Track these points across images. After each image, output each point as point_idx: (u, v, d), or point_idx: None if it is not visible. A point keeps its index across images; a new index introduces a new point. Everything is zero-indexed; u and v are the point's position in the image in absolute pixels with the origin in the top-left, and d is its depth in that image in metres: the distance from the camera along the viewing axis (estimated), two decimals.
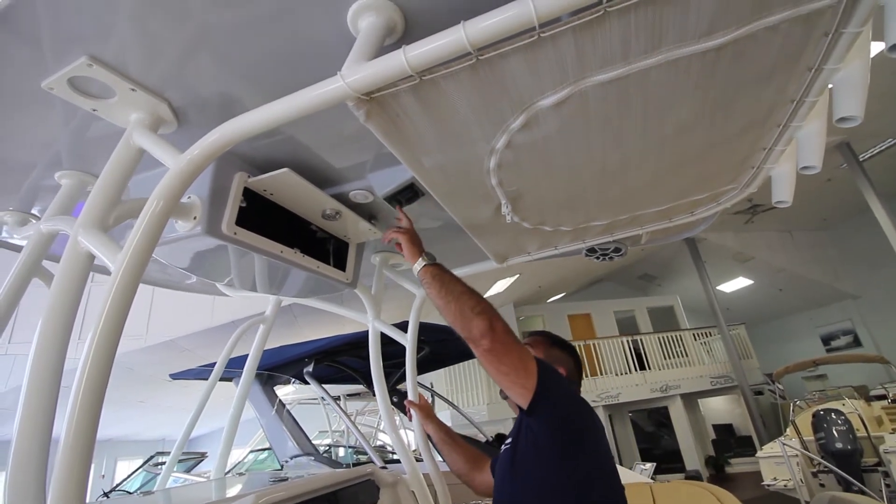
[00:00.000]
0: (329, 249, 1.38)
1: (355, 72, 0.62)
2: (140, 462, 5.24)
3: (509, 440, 1.13)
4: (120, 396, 7.40)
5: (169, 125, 0.91)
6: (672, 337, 11.01)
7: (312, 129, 1.00)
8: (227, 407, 1.94)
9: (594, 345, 10.37)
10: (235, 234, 1.00)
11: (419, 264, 1.10)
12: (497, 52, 0.61)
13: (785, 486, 5.27)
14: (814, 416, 5.59)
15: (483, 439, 4.13)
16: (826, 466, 4.95)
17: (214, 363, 2.18)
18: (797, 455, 5.11)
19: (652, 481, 3.72)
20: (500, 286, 9.19)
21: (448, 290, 1.04)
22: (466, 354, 4.88)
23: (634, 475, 4.16)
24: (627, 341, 10.60)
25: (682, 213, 1.32)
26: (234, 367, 2.35)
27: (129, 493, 4.58)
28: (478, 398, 9.26)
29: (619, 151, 0.92)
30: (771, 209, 9.98)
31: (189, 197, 0.97)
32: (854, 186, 7.86)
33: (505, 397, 1.32)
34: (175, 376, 3.81)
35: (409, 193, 1.14)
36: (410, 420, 1.59)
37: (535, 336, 1.29)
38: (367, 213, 1.32)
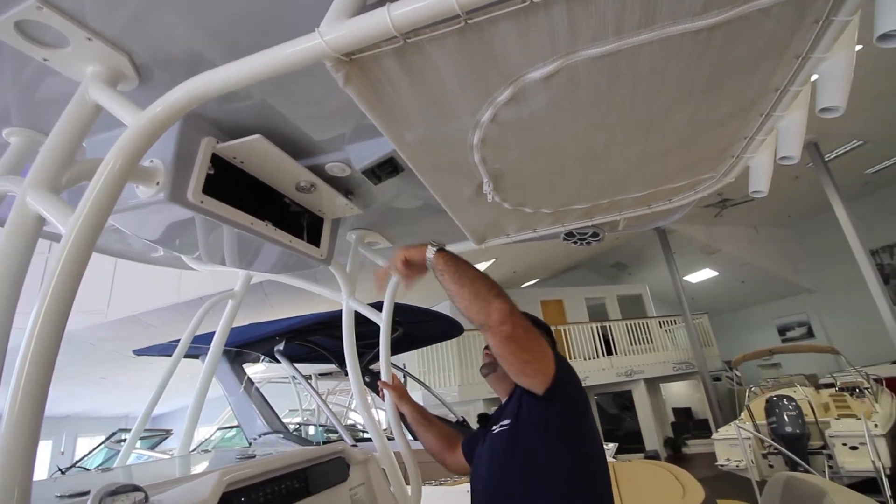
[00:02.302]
0: (303, 224, 1.33)
1: (335, 29, 0.58)
2: (101, 439, 5.10)
3: (506, 422, 1.11)
4: (79, 372, 7.15)
5: (129, 81, 0.84)
6: (639, 324, 11.36)
7: (287, 95, 0.95)
8: (194, 384, 1.89)
9: (565, 330, 10.60)
10: (202, 202, 0.95)
11: (431, 251, 1.05)
12: (487, 16, 0.58)
13: (737, 466, 5.56)
14: (767, 401, 5.90)
15: (454, 419, 4.18)
16: (776, 448, 5.25)
17: (180, 339, 2.12)
18: (750, 437, 5.39)
19: (614, 460, 3.87)
20: None
21: (462, 274, 1.01)
22: (439, 336, 4.91)
23: None
24: (597, 327, 10.89)
25: (660, 199, 1.32)
26: (201, 344, 2.29)
27: (88, 469, 4.46)
28: (449, 380, 9.37)
29: (604, 133, 0.91)
30: (740, 203, 10.31)
31: (151, 161, 0.91)
32: (818, 186, 8.17)
33: (486, 374, 1.32)
34: (139, 352, 3.70)
35: (388, 168, 1.11)
36: (384, 400, 1.58)
37: None
38: (343, 187, 1.28)
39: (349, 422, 7.73)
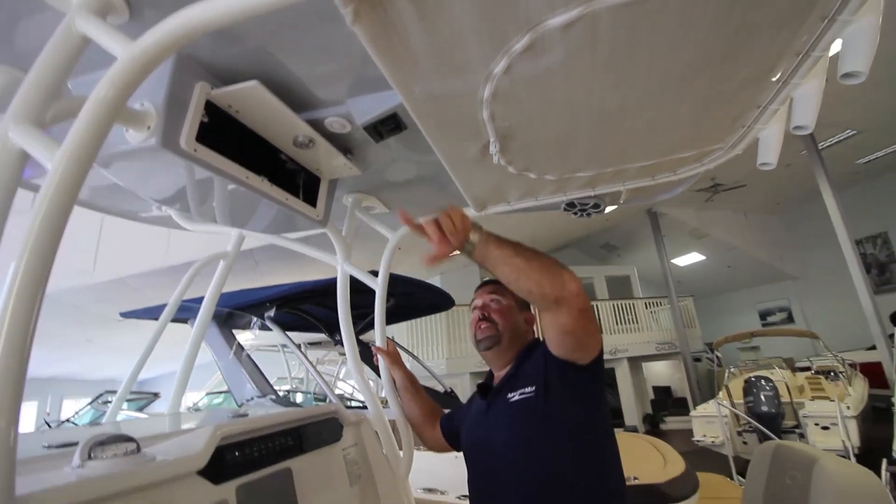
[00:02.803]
0: (299, 184, 1.29)
1: None
2: (88, 401, 5.09)
3: (528, 390, 1.10)
4: (65, 334, 7.08)
5: (119, 14, 0.78)
6: (626, 304, 11.54)
7: (287, 40, 0.89)
8: (182, 349, 1.85)
9: None
10: (195, 150, 0.90)
11: (480, 231, 0.98)
12: None
13: (712, 442, 5.77)
14: (746, 381, 6.09)
15: (442, 390, 4.24)
16: (751, 426, 5.43)
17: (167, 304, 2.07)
18: (726, 415, 5.57)
19: None
20: None
21: (523, 250, 0.99)
22: (430, 309, 4.93)
23: None
24: None
25: (665, 171, 1.30)
26: (190, 308, 2.25)
27: (76, 425, 4.47)
28: (438, 352, 9.48)
29: (619, 94, 0.88)
30: (731, 189, 10.36)
31: (142, 104, 0.86)
32: (810, 173, 8.21)
33: (489, 347, 1.27)
34: (126, 314, 3.65)
35: (391, 124, 1.07)
36: (377, 363, 1.58)
37: (496, 284, 1.30)
38: (342, 145, 1.23)
39: (337, 391, 7.81)
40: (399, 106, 1.03)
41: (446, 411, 1.50)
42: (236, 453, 0.88)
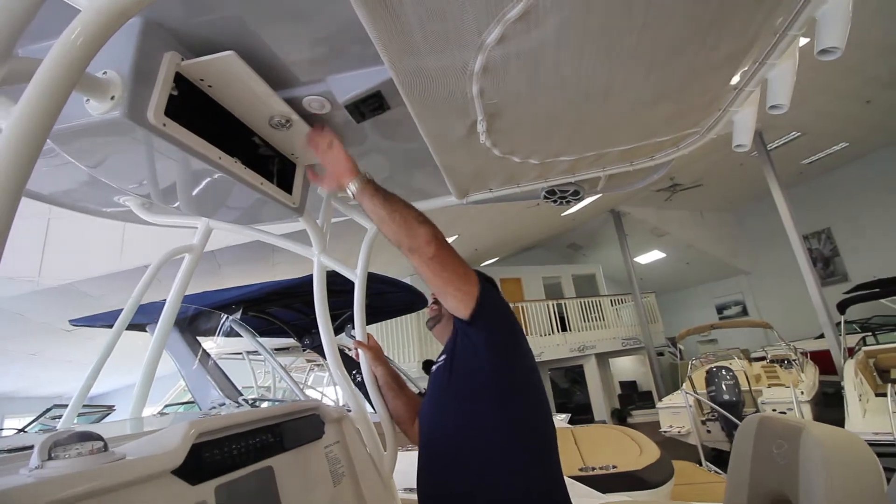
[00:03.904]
0: (273, 170, 1.23)
1: None
2: (31, 419, 4.72)
3: (442, 357, 1.16)
4: (6, 348, 6.56)
5: None
6: (592, 302, 11.82)
7: (266, 9, 0.84)
8: (136, 360, 1.70)
9: (522, 307, 10.86)
10: (164, 125, 0.83)
11: (360, 179, 1.06)
12: None
13: (679, 432, 5.97)
14: (707, 372, 6.34)
15: (416, 391, 4.19)
16: (714, 415, 5.66)
17: (122, 309, 1.91)
18: (690, 406, 5.78)
19: (572, 426, 4.03)
20: None
21: (393, 201, 1.04)
22: (403, 309, 4.87)
23: (556, 422, 4.48)
24: (553, 305, 11.24)
25: (643, 156, 1.32)
26: (147, 312, 2.10)
27: (26, 432, 4.12)
28: (411, 355, 9.40)
29: (607, 71, 0.88)
30: (689, 188, 10.82)
31: (105, 73, 0.79)
32: (760, 173, 8.67)
33: (432, 327, 1.34)
34: (77, 322, 3.41)
35: (374, 104, 1.02)
36: (357, 360, 1.52)
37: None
38: None
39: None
40: (383, 84, 0.99)
41: None
42: (214, 451, 0.82)
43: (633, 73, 0.90)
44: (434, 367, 1.21)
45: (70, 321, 3.41)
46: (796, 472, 0.81)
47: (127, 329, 1.72)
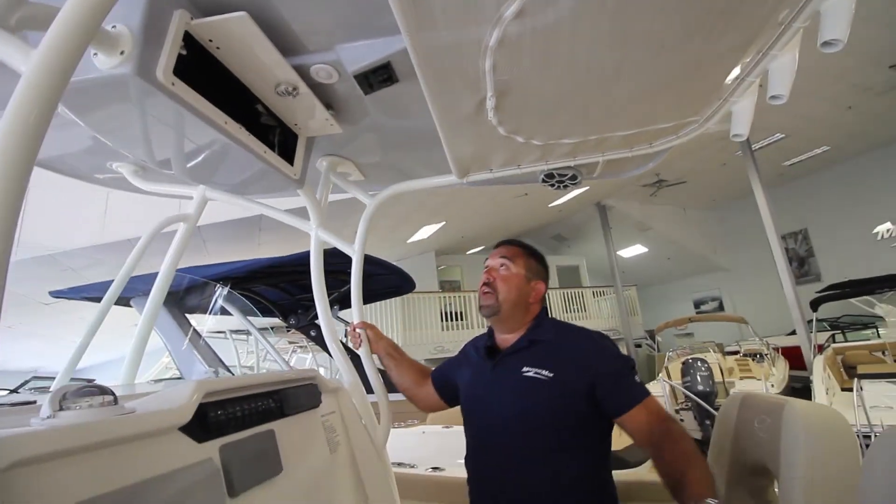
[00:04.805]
0: (274, 140, 1.22)
1: None
2: (6, 393, 4.61)
3: (545, 373, 1.14)
4: None
5: None
6: (575, 293, 12.00)
7: None
8: (117, 334, 1.64)
9: None
10: (173, 84, 0.82)
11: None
12: None
13: None
14: (683, 363, 6.50)
15: None
16: (687, 404, 5.84)
17: (108, 281, 1.85)
18: (666, 395, 5.95)
19: None
20: (426, 232, 9.22)
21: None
22: (391, 292, 4.87)
23: None
24: None
25: (643, 142, 1.35)
26: (132, 287, 2.05)
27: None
28: (394, 339, 9.41)
29: (618, 53, 0.89)
30: (673, 185, 10.99)
31: (114, 26, 0.77)
32: (743, 173, 8.84)
33: (486, 316, 1.29)
34: (57, 294, 3.34)
35: (383, 75, 1.02)
36: (358, 346, 1.52)
37: (512, 247, 1.31)
38: (325, 99, 1.17)
39: None
40: (393, 55, 0.99)
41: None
42: (219, 412, 0.82)
43: (642, 58, 0.91)
44: (529, 372, 1.16)
45: (51, 293, 3.33)
46: (777, 443, 0.86)
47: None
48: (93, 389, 0.66)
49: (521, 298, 1.27)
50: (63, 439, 0.56)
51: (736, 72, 1.07)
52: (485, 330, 1.38)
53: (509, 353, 1.23)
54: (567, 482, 1.08)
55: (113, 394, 0.66)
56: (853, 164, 10.60)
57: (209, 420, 0.79)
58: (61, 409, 0.61)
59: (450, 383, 1.39)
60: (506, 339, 1.28)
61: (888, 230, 9.96)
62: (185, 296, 3.01)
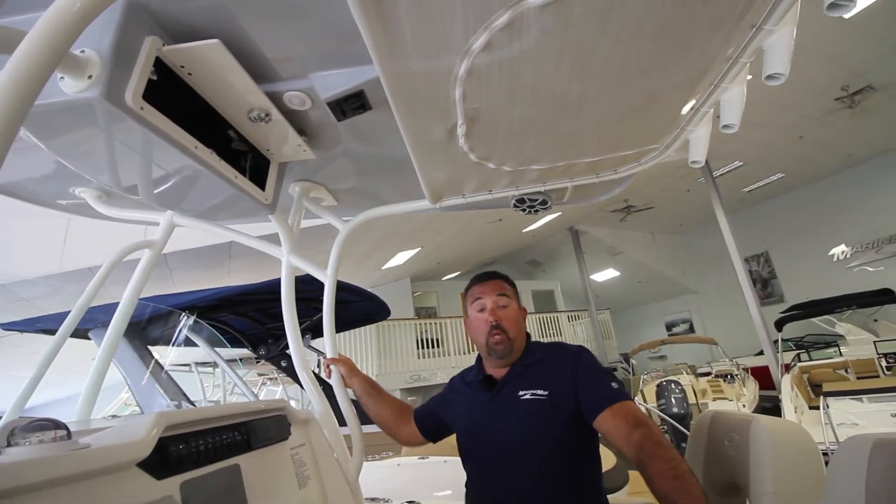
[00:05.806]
0: (246, 165, 1.21)
1: None
2: None
3: (542, 392, 1.17)
4: None
5: None
6: (550, 318, 12.10)
7: (252, 1, 0.85)
8: (68, 370, 1.54)
9: None
10: (142, 109, 0.82)
11: None
12: None
13: None
14: (658, 385, 6.59)
15: None
16: (665, 427, 5.88)
17: (65, 312, 1.75)
18: None
19: None
20: (401, 258, 9.19)
21: None
22: (365, 319, 4.80)
23: None
24: None
25: (607, 168, 1.40)
26: (91, 318, 1.96)
27: None
28: (368, 368, 9.22)
29: (580, 84, 0.94)
30: (641, 210, 11.37)
31: (83, 51, 0.77)
32: (706, 199, 9.25)
33: (500, 357, 1.28)
34: (8, 326, 3.15)
35: (356, 103, 1.04)
36: (329, 377, 1.49)
37: (501, 282, 1.37)
38: (297, 125, 1.18)
39: None
40: (366, 84, 1.01)
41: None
42: (181, 446, 0.78)
43: (603, 89, 0.96)
44: (526, 395, 1.19)
45: (1, 325, 3.14)
46: (747, 460, 0.88)
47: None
48: (45, 424, 0.62)
49: (522, 329, 1.33)
50: (11, 477, 0.53)
51: (691, 103, 1.14)
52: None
53: (507, 381, 1.25)
54: (570, 495, 1.10)
55: (66, 428, 0.63)
56: (808, 190, 11.24)
57: (170, 455, 0.75)
58: (9, 444, 0.58)
59: (435, 420, 1.40)
60: (499, 369, 1.29)
61: (843, 252, 10.51)
62: (148, 326, 2.89)
